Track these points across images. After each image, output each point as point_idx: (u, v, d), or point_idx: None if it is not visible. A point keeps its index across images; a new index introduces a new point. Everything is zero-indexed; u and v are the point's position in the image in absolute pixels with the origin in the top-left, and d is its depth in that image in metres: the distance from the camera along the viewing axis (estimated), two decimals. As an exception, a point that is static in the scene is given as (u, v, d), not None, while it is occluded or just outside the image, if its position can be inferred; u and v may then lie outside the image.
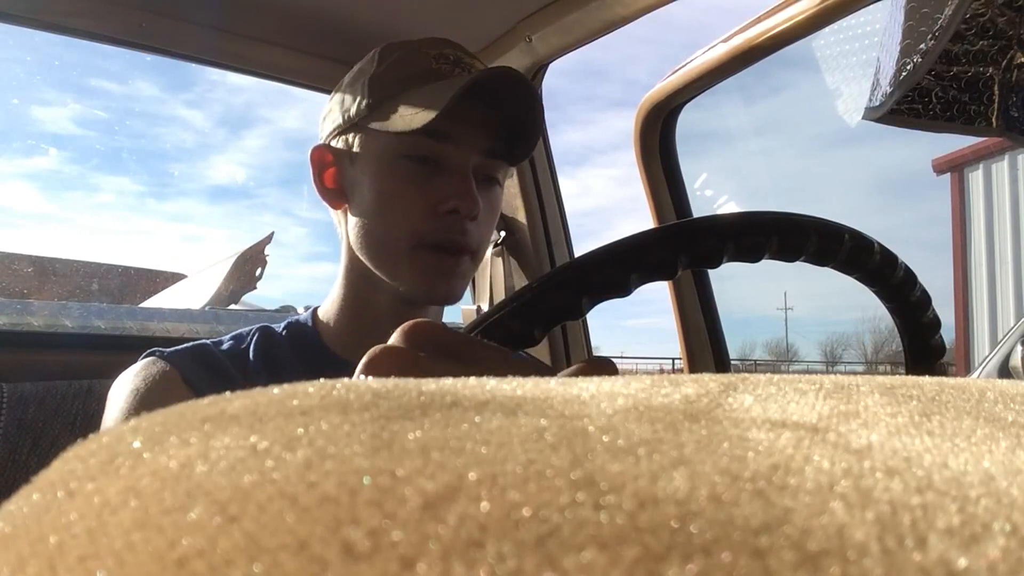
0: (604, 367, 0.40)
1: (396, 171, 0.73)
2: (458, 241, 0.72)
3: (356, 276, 0.77)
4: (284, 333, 0.78)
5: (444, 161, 0.72)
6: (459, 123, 0.70)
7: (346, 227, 0.77)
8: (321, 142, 0.80)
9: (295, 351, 0.77)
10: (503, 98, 0.72)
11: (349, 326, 0.78)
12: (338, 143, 0.77)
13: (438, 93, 0.69)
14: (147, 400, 0.66)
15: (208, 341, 0.75)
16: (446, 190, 0.71)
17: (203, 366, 0.71)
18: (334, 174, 0.78)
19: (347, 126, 0.76)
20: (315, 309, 0.82)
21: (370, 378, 0.19)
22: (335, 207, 0.79)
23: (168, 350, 0.71)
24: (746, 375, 0.21)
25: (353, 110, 0.75)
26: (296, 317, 0.82)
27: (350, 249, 0.77)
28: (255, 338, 0.76)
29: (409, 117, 0.69)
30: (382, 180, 0.73)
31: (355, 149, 0.75)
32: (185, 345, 0.73)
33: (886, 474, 0.12)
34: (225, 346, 0.75)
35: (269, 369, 0.74)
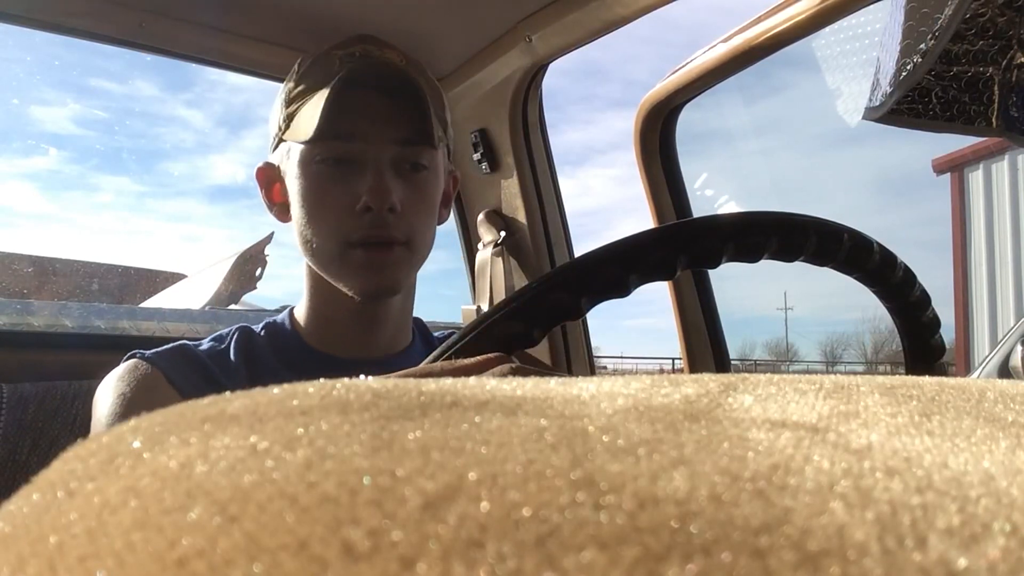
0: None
1: (315, 177, 0.75)
2: (383, 235, 0.74)
3: (315, 278, 0.80)
4: (263, 333, 0.80)
5: (359, 159, 0.74)
6: (364, 119, 0.72)
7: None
8: (265, 160, 0.83)
9: (274, 350, 0.79)
10: (389, 87, 0.73)
11: (321, 322, 0.81)
12: (274, 159, 0.81)
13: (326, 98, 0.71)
14: (134, 404, 0.67)
15: (188, 342, 0.77)
16: (360, 188, 0.73)
17: (186, 366, 0.72)
18: (278, 190, 0.81)
19: (276, 142, 0.79)
20: (291, 309, 0.84)
21: (370, 378, 0.19)
22: (283, 220, 0.81)
23: (149, 352, 0.72)
24: (746, 375, 0.21)
25: (276, 126, 0.78)
26: (273, 318, 0.84)
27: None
28: (235, 338, 0.78)
29: (305, 126, 0.72)
30: (305, 188, 0.76)
31: (285, 162, 0.78)
32: (166, 346, 0.74)
33: (886, 474, 0.12)
34: (205, 346, 0.77)
35: (250, 367, 0.76)
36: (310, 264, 0.78)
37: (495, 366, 0.39)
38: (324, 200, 0.75)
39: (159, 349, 0.73)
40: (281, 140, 0.78)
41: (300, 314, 0.82)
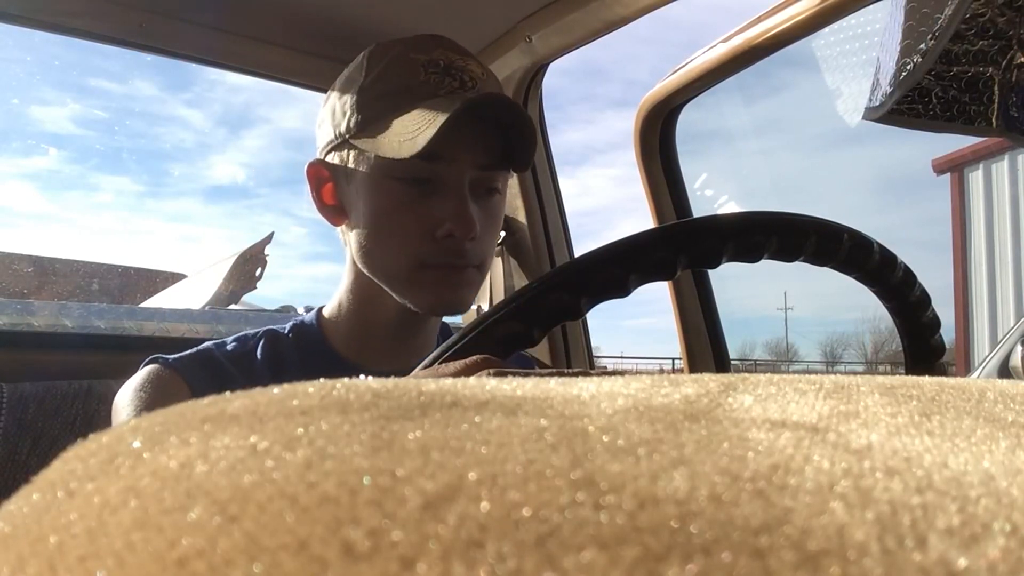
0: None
1: (390, 192, 0.71)
2: (461, 262, 0.72)
3: (362, 284, 0.77)
4: (290, 336, 0.78)
5: (439, 181, 0.71)
6: (452, 143, 0.69)
7: (348, 241, 0.77)
8: (317, 157, 0.79)
9: (301, 353, 0.76)
10: (494, 115, 0.71)
11: (356, 330, 0.78)
12: (333, 158, 0.76)
13: (426, 117, 0.67)
14: None
15: (212, 344, 0.74)
16: (442, 213, 0.70)
17: (209, 373, 0.70)
18: (332, 190, 0.77)
19: (339, 141, 0.74)
20: (319, 310, 0.81)
21: (370, 378, 0.19)
22: (335, 223, 0.78)
23: (172, 357, 0.70)
24: (746, 375, 0.21)
25: (343, 126, 0.73)
26: (301, 318, 0.81)
27: (354, 260, 0.77)
28: (262, 341, 0.76)
29: (397, 143, 0.68)
30: (377, 201, 0.72)
31: (350, 166, 0.74)
32: (189, 352, 0.72)
33: (886, 474, 0.12)
34: (229, 347, 0.75)
35: (275, 371, 0.74)
36: (367, 273, 0.75)
37: (478, 371, 0.38)
38: (400, 220, 0.71)
39: (182, 355, 0.71)
40: (346, 142, 0.73)
41: (332, 318, 0.79)
